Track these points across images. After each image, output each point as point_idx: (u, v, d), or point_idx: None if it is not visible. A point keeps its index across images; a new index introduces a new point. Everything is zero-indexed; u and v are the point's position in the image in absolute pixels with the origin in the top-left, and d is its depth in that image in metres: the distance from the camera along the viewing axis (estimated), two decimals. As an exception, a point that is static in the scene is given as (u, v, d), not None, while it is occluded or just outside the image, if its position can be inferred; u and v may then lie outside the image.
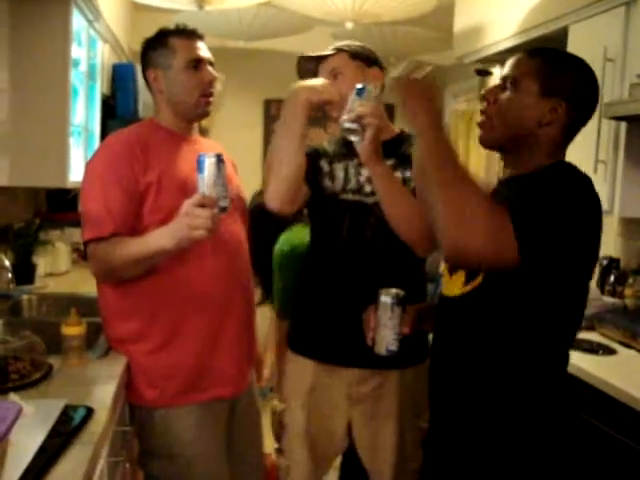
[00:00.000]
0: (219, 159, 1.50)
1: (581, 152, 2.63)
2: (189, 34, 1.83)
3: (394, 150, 1.85)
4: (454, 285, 1.46)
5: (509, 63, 1.45)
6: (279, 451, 1.97)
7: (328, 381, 1.86)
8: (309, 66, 1.87)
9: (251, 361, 1.98)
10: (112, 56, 3.91)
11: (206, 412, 1.81)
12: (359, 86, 1.63)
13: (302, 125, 1.73)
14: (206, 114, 1.87)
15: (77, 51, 2.92)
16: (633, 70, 2.40)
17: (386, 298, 1.56)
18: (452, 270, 1.48)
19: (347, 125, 1.61)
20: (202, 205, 1.48)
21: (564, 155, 1.46)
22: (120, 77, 3.91)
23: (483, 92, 1.46)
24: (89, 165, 1.81)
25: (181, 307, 1.77)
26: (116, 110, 3.88)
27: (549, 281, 1.31)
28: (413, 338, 1.64)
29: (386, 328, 1.56)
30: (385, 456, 1.87)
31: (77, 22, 2.85)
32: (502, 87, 1.43)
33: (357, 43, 1.89)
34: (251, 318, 1.95)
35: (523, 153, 1.42)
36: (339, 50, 1.84)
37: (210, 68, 1.84)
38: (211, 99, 1.84)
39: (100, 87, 3.50)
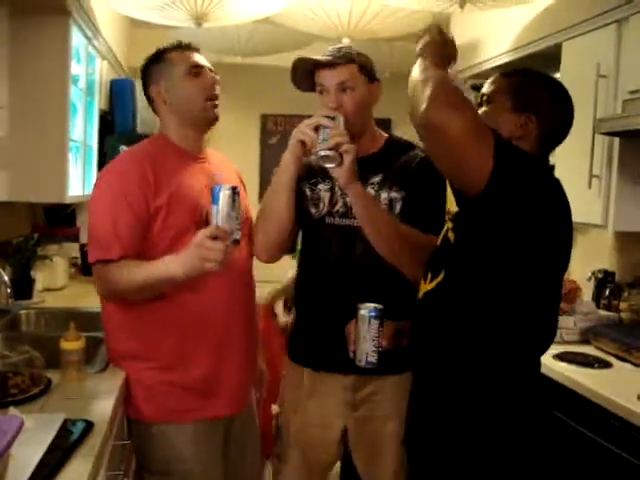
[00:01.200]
0: (234, 191, 1.52)
1: (575, 167, 2.67)
2: (184, 47, 1.87)
3: (381, 164, 1.83)
4: (423, 285, 1.54)
5: (487, 82, 1.54)
6: (276, 455, 1.97)
7: (324, 389, 1.86)
8: (307, 67, 1.78)
9: (251, 381, 1.98)
10: (110, 72, 3.94)
11: (203, 430, 1.81)
12: (331, 115, 1.66)
13: (292, 181, 1.76)
14: (215, 118, 1.85)
15: (76, 68, 2.95)
16: (626, 86, 2.43)
17: (364, 312, 1.62)
18: (425, 273, 1.55)
19: (324, 153, 1.61)
20: (215, 237, 1.50)
21: None
22: (118, 93, 3.94)
23: None
24: (100, 182, 1.81)
25: (183, 329, 1.77)
26: (114, 125, 3.91)
27: (512, 267, 1.36)
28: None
29: (365, 340, 1.62)
30: (382, 462, 1.85)
31: (76, 39, 2.88)
32: (479, 105, 1.52)
33: (360, 52, 1.80)
34: (252, 340, 1.94)
35: None
36: (349, 60, 1.75)
37: (210, 73, 1.85)
38: (216, 102, 1.84)
39: (98, 103, 3.53)
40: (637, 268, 2.84)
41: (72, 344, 1.77)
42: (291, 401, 1.93)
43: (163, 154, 1.82)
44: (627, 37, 2.46)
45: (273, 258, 1.88)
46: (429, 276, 1.51)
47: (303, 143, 1.68)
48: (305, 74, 1.79)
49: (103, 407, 1.59)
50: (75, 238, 3.62)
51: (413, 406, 1.59)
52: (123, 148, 3.68)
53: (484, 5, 2.92)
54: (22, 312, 2.65)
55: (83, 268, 3.57)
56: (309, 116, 1.71)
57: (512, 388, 1.43)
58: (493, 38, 3.53)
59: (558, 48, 2.87)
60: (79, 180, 3.11)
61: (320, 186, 1.85)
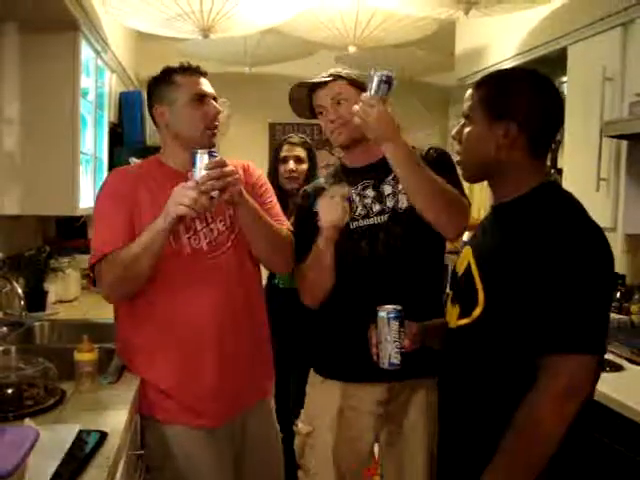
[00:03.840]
0: (210, 154, 1.65)
1: (583, 170, 2.67)
2: (193, 71, 1.88)
3: None
4: (452, 316, 1.50)
5: (465, 99, 1.47)
6: (302, 471, 1.97)
7: (356, 402, 1.87)
8: (301, 95, 1.90)
9: (246, 390, 1.93)
10: (119, 85, 3.97)
11: (200, 433, 1.83)
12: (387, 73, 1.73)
13: (332, 256, 1.79)
14: (211, 146, 1.87)
15: (85, 81, 2.98)
16: (632, 89, 2.43)
17: (382, 313, 1.61)
18: (452, 300, 1.51)
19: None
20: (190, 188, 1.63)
21: (543, 171, 1.47)
22: (127, 105, 3.98)
23: (452, 134, 1.50)
24: (96, 200, 1.93)
25: (156, 334, 1.84)
26: (123, 137, 3.94)
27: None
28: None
29: (387, 342, 1.61)
30: (411, 470, 1.86)
31: (85, 53, 2.91)
32: (464, 124, 1.46)
33: (346, 70, 1.92)
34: (244, 349, 1.91)
35: (499, 181, 1.44)
36: (337, 77, 1.87)
37: (214, 102, 1.88)
38: (215, 131, 1.89)
39: (108, 115, 3.56)
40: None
41: (86, 355, 1.79)
42: (322, 418, 1.91)
43: (151, 176, 1.88)
44: (633, 40, 2.46)
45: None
46: (457, 308, 1.47)
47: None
48: (304, 104, 1.92)
49: (117, 417, 1.60)
50: (87, 250, 3.60)
51: (442, 426, 1.55)
52: (133, 160, 3.72)
53: (488, 11, 2.93)
54: (36, 324, 2.67)
55: (95, 279, 3.59)
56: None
57: None
58: (498, 43, 3.54)
59: (564, 52, 2.88)
60: (90, 192, 3.13)
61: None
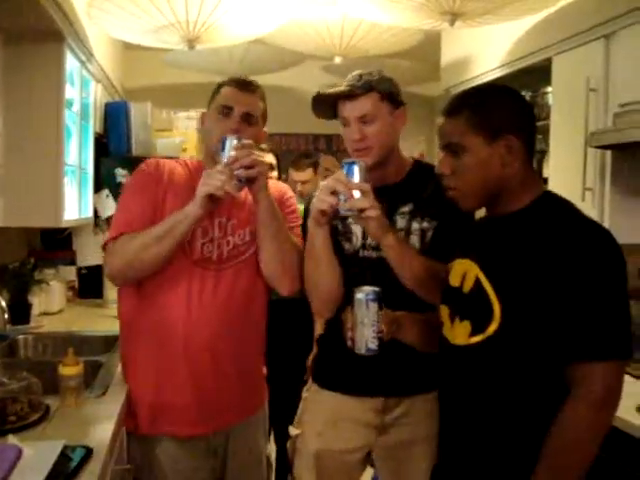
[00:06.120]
0: (239, 139, 1.69)
1: (568, 180, 2.69)
2: (234, 83, 1.88)
3: (410, 192, 1.76)
4: (457, 333, 1.46)
5: (441, 132, 1.45)
6: (292, 478, 1.96)
7: (351, 413, 1.83)
8: (326, 101, 1.72)
9: (233, 402, 1.88)
10: (104, 95, 3.95)
11: (174, 445, 1.82)
12: (347, 162, 1.56)
13: (326, 246, 1.68)
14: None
15: (70, 92, 2.96)
16: (616, 99, 2.46)
17: (360, 295, 1.54)
18: (453, 317, 1.48)
19: (347, 213, 1.56)
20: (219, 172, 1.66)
21: (538, 178, 1.49)
22: (113, 115, 3.94)
23: (437, 171, 1.47)
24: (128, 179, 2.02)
25: (141, 342, 1.84)
26: (109, 148, 3.91)
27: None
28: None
29: (364, 326, 1.54)
30: None
31: (70, 63, 2.90)
32: (451, 155, 1.42)
33: (382, 74, 1.72)
34: (232, 362, 1.86)
35: (501, 197, 1.43)
36: (369, 88, 1.67)
37: (237, 120, 1.80)
38: None
39: (93, 126, 3.54)
40: (632, 279, 2.84)
41: (71, 369, 1.76)
42: (313, 424, 1.88)
43: (189, 172, 1.89)
44: (615, 51, 2.49)
45: (333, 312, 1.78)
46: (465, 324, 1.43)
47: (324, 211, 1.59)
48: (326, 105, 1.74)
49: (102, 432, 1.58)
50: (71, 262, 3.62)
51: (443, 443, 1.54)
52: (119, 171, 3.70)
53: (473, 22, 2.95)
54: (20, 337, 2.64)
55: (80, 291, 3.57)
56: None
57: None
58: (484, 54, 3.56)
59: (548, 63, 2.90)
60: (75, 204, 3.11)
61: (350, 219, 1.77)
